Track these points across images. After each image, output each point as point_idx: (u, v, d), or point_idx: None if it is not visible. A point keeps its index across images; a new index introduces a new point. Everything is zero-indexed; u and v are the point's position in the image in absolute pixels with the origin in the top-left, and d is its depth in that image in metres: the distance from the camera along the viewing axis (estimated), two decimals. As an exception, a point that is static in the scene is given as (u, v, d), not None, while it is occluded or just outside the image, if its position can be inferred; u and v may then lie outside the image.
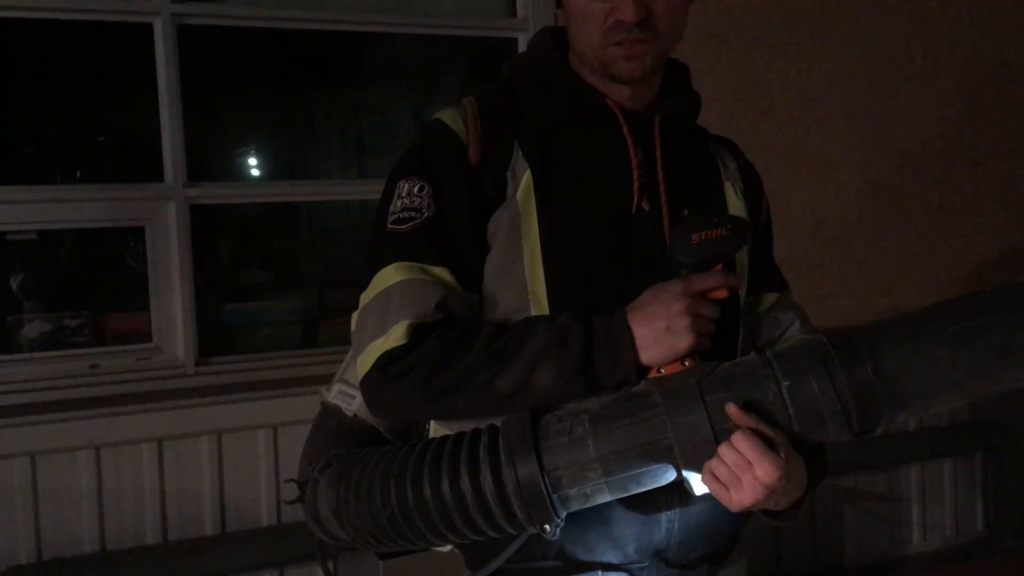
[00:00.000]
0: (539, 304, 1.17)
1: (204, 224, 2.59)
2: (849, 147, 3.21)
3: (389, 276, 1.17)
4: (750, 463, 1.02)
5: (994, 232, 3.47)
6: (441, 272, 1.17)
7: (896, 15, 3.25)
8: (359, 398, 1.26)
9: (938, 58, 3.33)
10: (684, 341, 1.09)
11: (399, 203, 1.19)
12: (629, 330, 1.11)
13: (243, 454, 2.51)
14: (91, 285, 2.66)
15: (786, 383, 1.04)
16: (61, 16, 2.41)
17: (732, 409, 1.04)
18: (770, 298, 1.35)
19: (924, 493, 3.40)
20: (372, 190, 2.75)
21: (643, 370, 1.11)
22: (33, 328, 2.48)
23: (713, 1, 2.73)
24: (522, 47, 2.83)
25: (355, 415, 1.31)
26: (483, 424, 1.13)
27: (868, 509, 3.32)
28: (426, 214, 1.18)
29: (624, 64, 1.17)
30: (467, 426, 1.14)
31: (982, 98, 3.42)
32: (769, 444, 1.03)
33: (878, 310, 3.24)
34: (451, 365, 1.12)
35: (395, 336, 1.13)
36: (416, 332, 1.13)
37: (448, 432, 1.16)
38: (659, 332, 1.10)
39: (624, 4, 1.13)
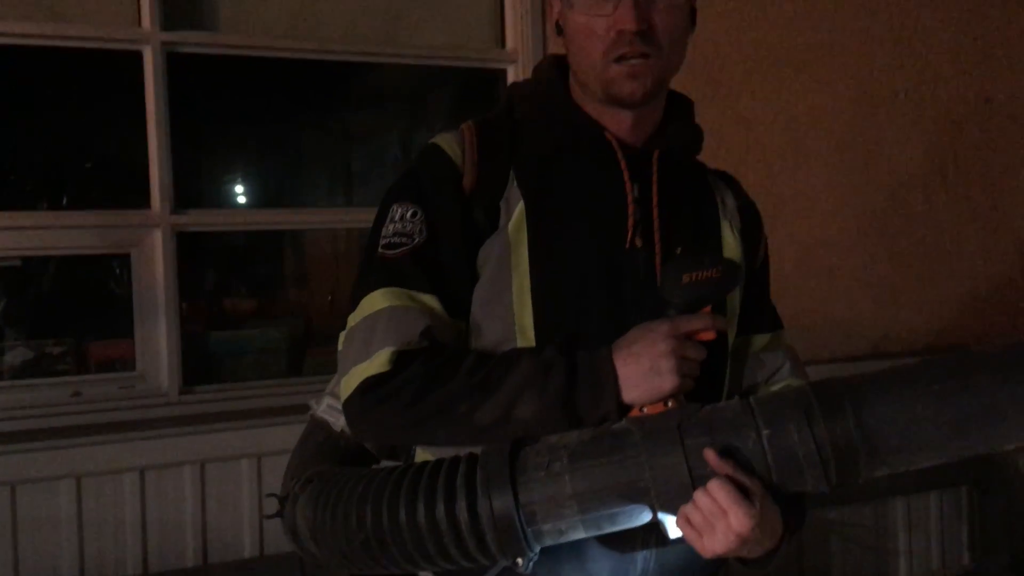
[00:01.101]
0: (526, 336, 1.17)
1: (189, 251, 2.58)
2: (834, 181, 3.23)
3: (376, 301, 1.17)
4: (724, 511, 1.01)
5: (977, 266, 3.49)
6: (429, 299, 1.17)
7: (880, 52, 3.28)
8: None
9: (921, 94, 3.35)
10: (668, 382, 1.09)
11: (391, 227, 1.20)
12: (613, 368, 1.11)
13: (226, 484, 2.48)
14: (75, 312, 2.65)
15: (766, 431, 1.04)
16: (50, 43, 2.41)
17: (710, 455, 1.03)
18: (761, 339, 1.34)
19: (910, 524, 3.40)
20: (360, 218, 2.77)
21: (625, 408, 1.11)
22: (15, 355, 2.46)
23: (700, 37, 2.76)
24: (511, 78, 2.85)
25: (342, 430, 1.31)
26: (464, 451, 1.13)
27: (855, 540, 3.30)
28: (417, 240, 1.18)
29: (626, 83, 1.17)
30: (452, 451, 1.14)
31: (964, 134, 3.44)
32: (745, 493, 1.02)
33: (862, 343, 3.24)
34: (432, 394, 1.12)
35: (379, 362, 1.13)
36: (400, 359, 1.13)
37: (432, 456, 1.16)
38: (643, 372, 1.09)
39: (625, 13, 1.14)
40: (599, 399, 1.10)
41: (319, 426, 1.35)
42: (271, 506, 1.29)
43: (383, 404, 1.13)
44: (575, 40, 1.20)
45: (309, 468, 1.25)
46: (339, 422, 1.32)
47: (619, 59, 1.16)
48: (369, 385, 1.13)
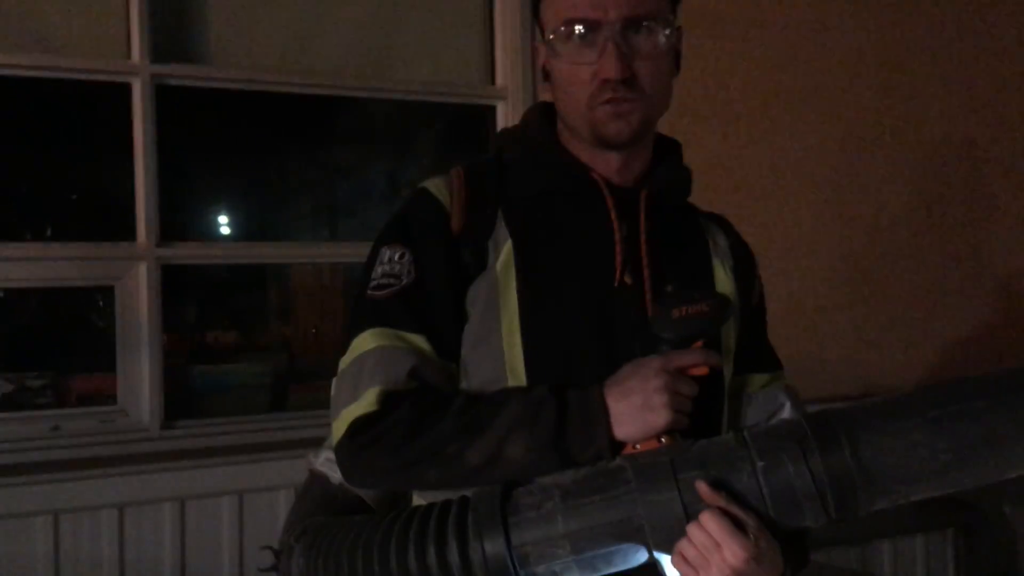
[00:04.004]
0: (516, 375, 1.17)
1: (173, 283, 2.56)
2: (821, 221, 3.25)
3: (365, 342, 1.17)
4: (718, 544, 1.00)
5: (961, 307, 3.50)
6: (417, 340, 1.16)
7: (866, 94, 3.32)
8: None
9: (906, 136, 3.39)
10: (661, 418, 1.08)
11: (379, 269, 1.20)
12: (605, 405, 1.10)
13: (206, 522, 2.44)
14: (56, 345, 2.62)
15: (761, 463, 1.02)
16: (39, 74, 2.40)
17: (702, 487, 1.02)
18: (760, 379, 1.33)
19: (896, 568, 3.38)
20: (346, 252, 2.77)
21: (619, 446, 1.10)
22: (-7, 388, 2.43)
23: (687, 78, 2.79)
24: (500, 115, 2.86)
25: (340, 483, 1.29)
26: (458, 495, 1.11)
27: (841, 584, 3.28)
28: (405, 281, 1.18)
29: (612, 123, 1.18)
30: (450, 495, 1.13)
31: (949, 176, 3.48)
32: (739, 526, 1.01)
33: (852, 383, 3.24)
34: (422, 434, 1.11)
35: (366, 402, 1.13)
36: (388, 399, 1.12)
37: (426, 502, 1.14)
38: (636, 408, 1.09)
39: (608, 62, 1.15)
40: (591, 437, 1.09)
41: (317, 479, 1.35)
42: (253, 546, 1.28)
43: (372, 446, 1.12)
44: (561, 86, 1.22)
45: (305, 521, 1.24)
46: (337, 475, 1.30)
47: (604, 102, 1.17)
48: (358, 427, 1.13)
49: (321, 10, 2.72)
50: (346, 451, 1.15)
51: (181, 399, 2.57)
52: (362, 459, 1.14)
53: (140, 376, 2.46)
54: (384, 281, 1.19)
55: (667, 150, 1.32)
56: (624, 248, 1.21)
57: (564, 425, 1.09)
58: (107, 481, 2.35)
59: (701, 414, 1.14)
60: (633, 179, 1.25)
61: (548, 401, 1.10)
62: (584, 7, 1.15)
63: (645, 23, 1.17)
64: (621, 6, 1.15)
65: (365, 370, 1.15)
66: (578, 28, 1.16)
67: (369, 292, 1.20)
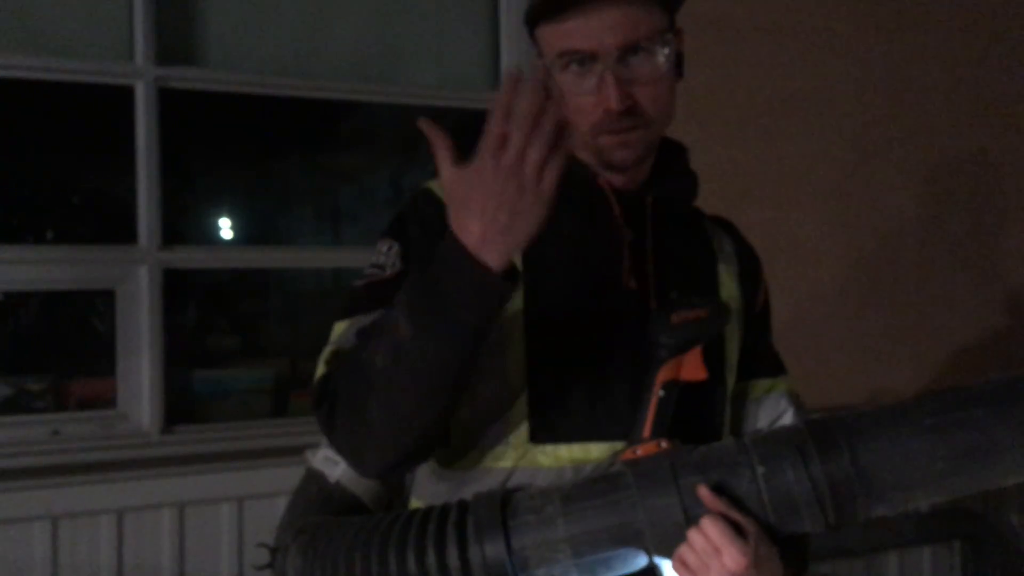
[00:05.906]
0: (518, 370, 1.15)
1: (173, 287, 2.55)
2: (828, 229, 3.23)
3: (337, 330, 1.17)
4: (718, 549, 1.00)
5: (970, 315, 3.49)
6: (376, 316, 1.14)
7: (874, 101, 3.30)
8: (342, 464, 1.27)
9: (916, 143, 3.37)
10: (537, 211, 0.98)
11: (370, 261, 1.21)
12: (456, 239, 0.99)
13: (206, 528, 2.43)
14: (56, 348, 2.61)
15: (761, 469, 1.03)
16: (42, 76, 2.40)
17: (704, 492, 1.02)
18: (763, 384, 1.32)
19: (903, 580, 3.36)
20: (350, 258, 2.76)
21: (509, 275, 1.01)
22: (-7, 392, 2.42)
23: (694, 82, 2.78)
24: (504, 120, 2.85)
25: (337, 482, 1.30)
26: (455, 499, 1.11)
27: (847, 595, 3.26)
28: (388, 272, 1.18)
29: (617, 152, 1.18)
30: (444, 499, 1.12)
31: (959, 184, 3.46)
32: (739, 531, 1.01)
33: (858, 392, 3.22)
34: (356, 370, 1.07)
35: (320, 370, 1.14)
36: (334, 357, 1.13)
37: (425, 505, 1.14)
38: (501, 226, 0.98)
39: (608, 94, 1.13)
40: (458, 271, 0.99)
41: (313, 478, 1.34)
42: (252, 552, 1.27)
43: (326, 405, 1.09)
44: (564, 108, 1.19)
45: (303, 520, 1.24)
46: (334, 474, 1.31)
47: (608, 131, 1.17)
48: (317, 395, 1.12)
49: (326, 13, 2.72)
50: (320, 422, 1.12)
51: (181, 404, 2.56)
52: (328, 424, 1.10)
53: (140, 380, 2.44)
54: (369, 271, 1.19)
55: (673, 154, 1.31)
56: (630, 253, 1.20)
57: (434, 279, 1.01)
58: (106, 486, 2.34)
59: (702, 421, 1.15)
60: (639, 184, 1.25)
61: (416, 274, 1.04)
62: (578, 38, 1.14)
63: (642, 45, 1.15)
64: (616, 34, 1.13)
65: (328, 348, 1.16)
66: (574, 59, 1.15)
67: (355, 282, 1.20)
